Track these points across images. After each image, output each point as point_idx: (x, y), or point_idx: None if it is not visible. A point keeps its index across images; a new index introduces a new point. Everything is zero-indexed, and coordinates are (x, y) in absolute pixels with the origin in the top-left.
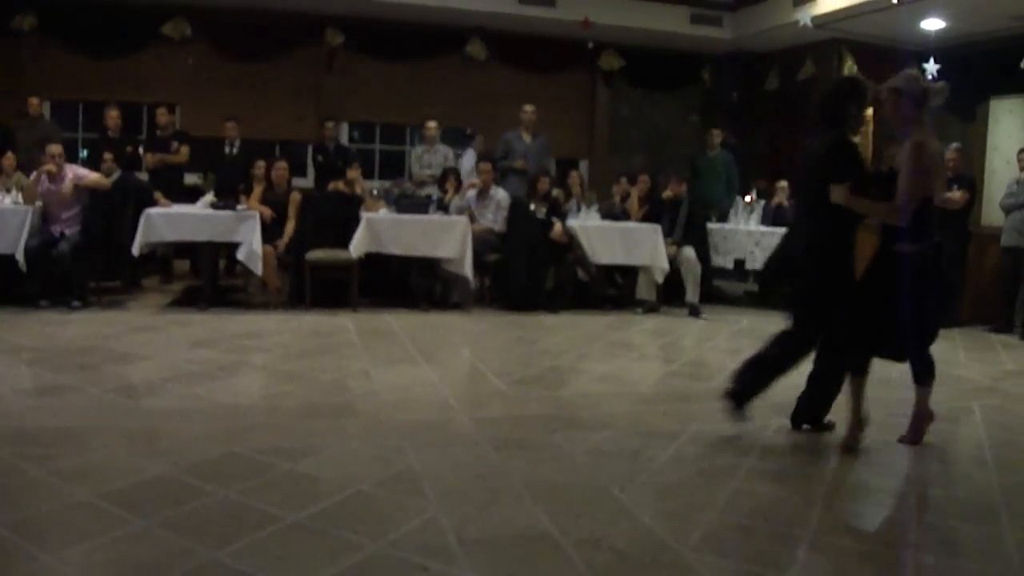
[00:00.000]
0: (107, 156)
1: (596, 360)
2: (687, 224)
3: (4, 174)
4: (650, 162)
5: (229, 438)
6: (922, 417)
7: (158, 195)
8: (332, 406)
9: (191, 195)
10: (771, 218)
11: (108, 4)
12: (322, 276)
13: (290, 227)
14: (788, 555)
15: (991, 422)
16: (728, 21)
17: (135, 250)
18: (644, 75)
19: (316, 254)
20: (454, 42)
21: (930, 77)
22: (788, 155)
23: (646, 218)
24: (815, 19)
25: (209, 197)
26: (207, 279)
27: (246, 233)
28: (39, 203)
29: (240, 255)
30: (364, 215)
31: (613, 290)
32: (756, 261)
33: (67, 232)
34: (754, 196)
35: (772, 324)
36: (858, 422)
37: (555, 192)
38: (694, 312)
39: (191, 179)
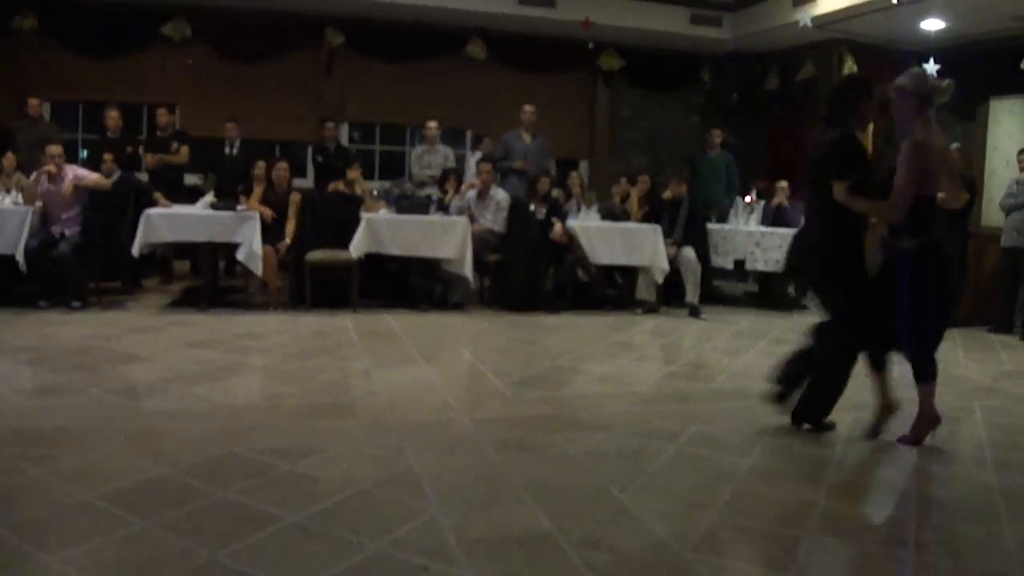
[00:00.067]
0: (107, 156)
1: (596, 360)
2: (687, 224)
3: (4, 174)
4: (650, 162)
5: (229, 438)
6: (925, 417)
7: (158, 195)
8: (332, 407)
9: (191, 195)
10: (771, 218)
11: (108, 5)
12: (322, 277)
13: (291, 228)
14: (788, 556)
15: (991, 422)
16: (728, 21)
17: (135, 251)
18: (644, 75)
19: (316, 255)
20: (454, 42)
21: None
22: (788, 155)
23: (646, 218)
24: (815, 19)
25: (209, 198)
26: (207, 280)
27: (246, 234)
28: (39, 203)
29: (240, 256)
30: (364, 215)
31: (613, 290)
32: (756, 261)
33: (67, 233)
34: (754, 196)
35: (772, 324)
36: (886, 406)
37: (555, 192)
38: (694, 312)
39: (191, 179)
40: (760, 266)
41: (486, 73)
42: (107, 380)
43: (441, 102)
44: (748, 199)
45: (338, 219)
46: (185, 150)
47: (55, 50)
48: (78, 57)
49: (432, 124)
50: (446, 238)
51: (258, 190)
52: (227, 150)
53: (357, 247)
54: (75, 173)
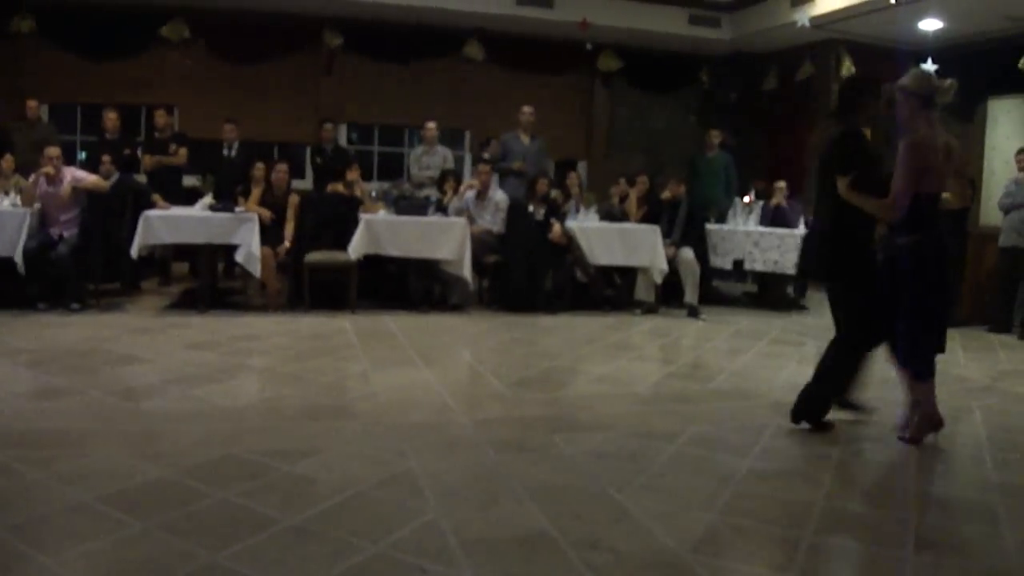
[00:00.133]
0: (105, 158)
1: (595, 361)
2: (686, 225)
3: (3, 176)
4: (649, 163)
5: (228, 440)
6: (925, 417)
7: (156, 197)
8: (331, 408)
9: (189, 197)
10: (770, 219)
11: (106, 6)
12: (321, 278)
13: (289, 230)
14: (787, 556)
15: (990, 422)
16: (726, 22)
17: (134, 252)
18: (642, 76)
19: (315, 256)
20: (452, 44)
21: None
22: (786, 156)
23: (645, 219)
24: (813, 20)
25: (207, 199)
26: (206, 281)
27: (245, 235)
28: (37, 205)
29: (239, 257)
30: (363, 217)
31: (612, 291)
32: (755, 262)
33: (65, 234)
34: (753, 197)
35: (771, 325)
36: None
37: (554, 193)
38: (693, 313)
39: (189, 181)
40: (759, 266)
41: (484, 74)
42: (106, 382)
43: (439, 103)
44: (747, 199)
45: (337, 220)
46: (183, 152)
47: (53, 52)
48: (76, 59)
49: (431, 125)
50: (445, 239)
51: (257, 192)
52: (225, 151)
53: (356, 248)
54: (73, 175)
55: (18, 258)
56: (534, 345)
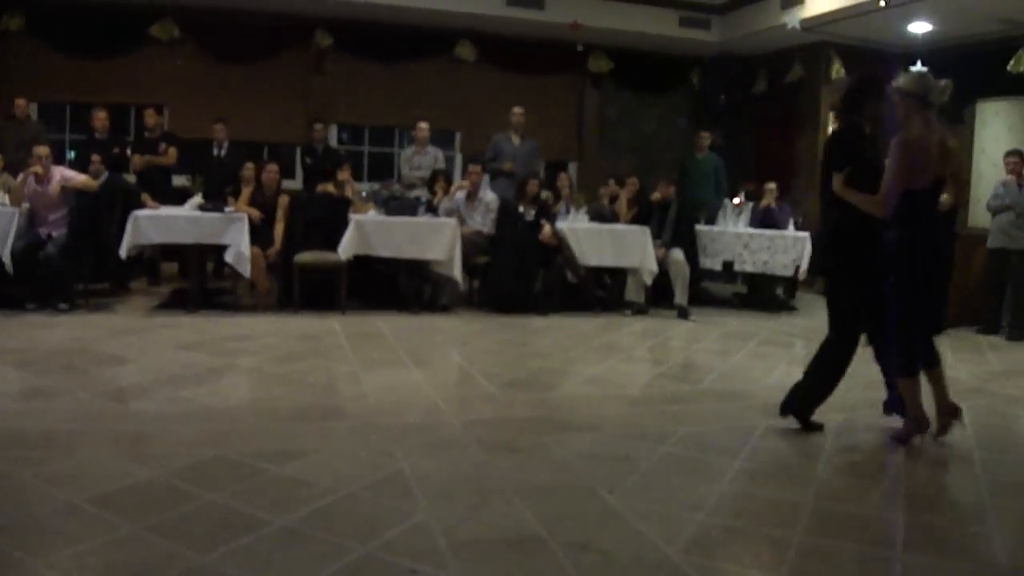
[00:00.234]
0: (94, 157)
1: (585, 362)
2: (676, 226)
3: None
4: (639, 164)
5: (217, 441)
6: (912, 418)
7: (146, 197)
8: (321, 409)
9: (179, 197)
10: (759, 220)
11: (96, 5)
12: (310, 278)
13: (279, 231)
14: (777, 557)
15: (979, 423)
16: (716, 24)
17: (122, 252)
18: (633, 77)
19: (305, 256)
20: (443, 44)
21: None
22: (776, 157)
23: (635, 220)
24: (803, 22)
25: (197, 199)
26: (195, 281)
27: (234, 235)
28: (26, 205)
29: (228, 257)
30: (353, 217)
31: (602, 292)
32: (744, 263)
33: (54, 234)
34: (742, 198)
35: (760, 326)
36: (945, 408)
37: (544, 194)
38: (683, 314)
39: (179, 181)
40: (748, 268)
41: (475, 75)
42: (94, 383)
43: (430, 104)
44: (736, 201)
45: (326, 221)
46: (173, 151)
47: (42, 50)
48: (66, 57)
49: (424, 125)
50: (435, 240)
51: (246, 192)
52: (215, 151)
53: (346, 249)
54: (62, 174)
55: (6, 258)
56: (524, 346)
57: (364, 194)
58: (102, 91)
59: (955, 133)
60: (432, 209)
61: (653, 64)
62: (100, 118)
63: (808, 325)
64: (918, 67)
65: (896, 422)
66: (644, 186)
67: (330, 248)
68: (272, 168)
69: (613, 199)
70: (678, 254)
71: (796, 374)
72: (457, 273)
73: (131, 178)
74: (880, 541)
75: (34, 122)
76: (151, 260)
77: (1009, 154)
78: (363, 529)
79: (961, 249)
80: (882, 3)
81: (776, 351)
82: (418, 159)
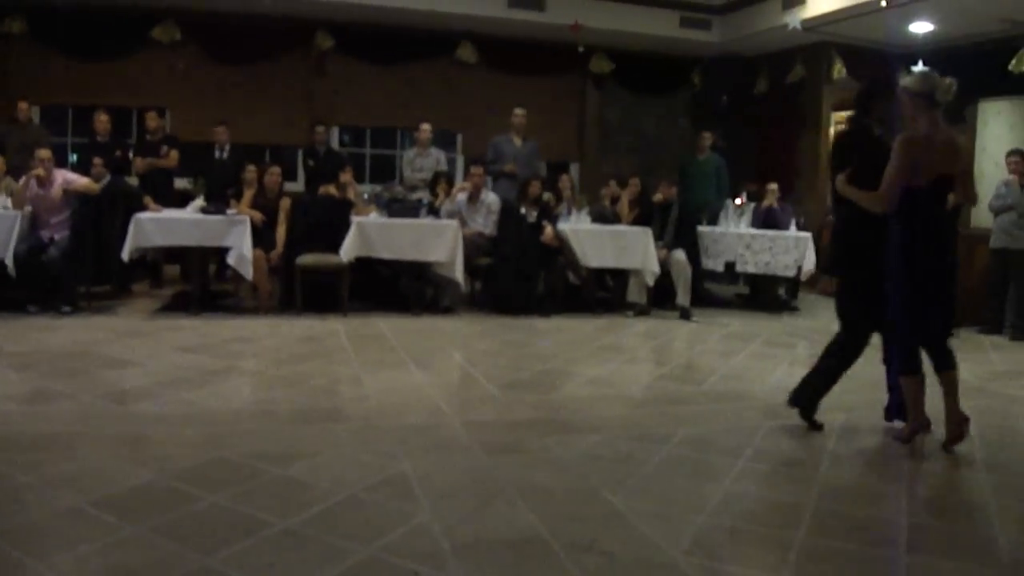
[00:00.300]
0: (97, 161)
1: (587, 363)
2: (677, 227)
3: None
4: (640, 165)
5: (219, 443)
6: (914, 418)
7: (148, 200)
8: (323, 411)
9: (181, 199)
10: (761, 220)
11: (98, 8)
12: (312, 280)
13: (281, 234)
14: (780, 558)
15: (981, 422)
16: (717, 25)
17: (125, 255)
18: (634, 78)
19: (307, 259)
20: (444, 46)
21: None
22: (778, 158)
23: (637, 221)
24: (804, 22)
25: (199, 201)
26: (197, 284)
27: (236, 238)
28: (28, 208)
29: (230, 260)
30: (354, 219)
31: (604, 293)
32: (746, 264)
33: (56, 237)
34: (744, 199)
35: (762, 326)
36: (954, 418)
37: (545, 196)
38: (685, 315)
39: (181, 183)
40: (750, 268)
41: (476, 76)
42: (97, 385)
43: (431, 105)
44: (738, 201)
45: (328, 223)
46: (175, 154)
47: (44, 53)
48: (67, 60)
49: (426, 127)
50: (437, 242)
51: (248, 194)
52: (217, 154)
53: (348, 251)
54: (64, 177)
55: (8, 261)
56: (526, 347)
57: (366, 196)
58: (104, 94)
59: (958, 132)
60: (434, 211)
61: (654, 65)
62: (102, 121)
63: (810, 326)
64: (919, 67)
65: (898, 426)
66: (646, 187)
67: (332, 250)
68: (274, 171)
69: (615, 200)
70: (680, 255)
71: (798, 375)
72: (459, 275)
73: (133, 181)
74: (882, 542)
75: (36, 125)
76: (153, 263)
77: (1011, 154)
78: (365, 531)
79: (963, 249)
80: (883, 3)
81: (778, 352)
82: (420, 161)
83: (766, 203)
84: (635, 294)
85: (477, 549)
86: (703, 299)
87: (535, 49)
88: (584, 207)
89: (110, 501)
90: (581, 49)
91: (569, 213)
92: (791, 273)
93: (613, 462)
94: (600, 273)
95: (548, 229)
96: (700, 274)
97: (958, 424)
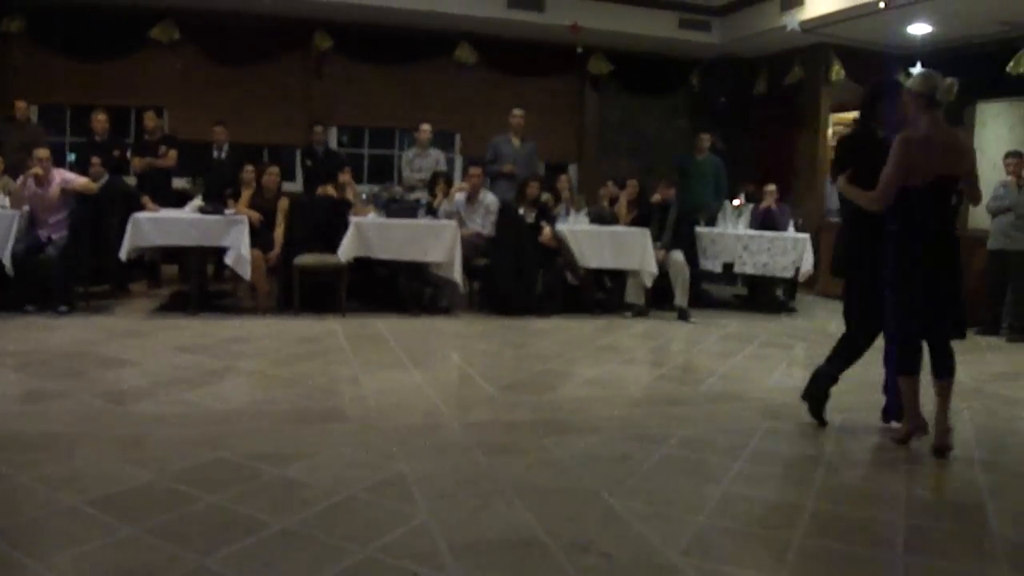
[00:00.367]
0: (94, 160)
1: (585, 364)
2: (676, 228)
3: None
4: (639, 166)
5: (217, 444)
6: (910, 419)
7: (146, 199)
8: (321, 411)
9: (179, 199)
10: (759, 222)
11: (96, 7)
12: (311, 281)
13: (279, 234)
14: (777, 558)
15: (979, 423)
16: (716, 26)
17: (123, 255)
18: (633, 79)
19: (305, 259)
20: (443, 47)
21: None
22: (776, 159)
23: (635, 222)
24: (802, 24)
25: (197, 201)
26: (195, 284)
27: (234, 238)
28: (26, 207)
29: (228, 260)
30: (353, 219)
31: (602, 294)
32: (744, 265)
33: (54, 237)
34: (742, 200)
35: (760, 327)
36: (942, 428)
37: (544, 196)
38: (683, 316)
39: (179, 183)
40: (748, 269)
41: (475, 77)
42: (94, 385)
43: (430, 106)
44: (736, 202)
45: (327, 223)
46: (173, 154)
47: (43, 53)
48: (66, 60)
49: (426, 127)
50: (435, 242)
51: (247, 194)
52: (215, 154)
53: (346, 251)
54: (62, 177)
55: (6, 260)
56: (524, 348)
57: (364, 196)
58: (102, 93)
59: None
60: (432, 211)
61: (653, 66)
62: (100, 120)
63: (808, 327)
64: (918, 68)
65: (895, 428)
66: (644, 188)
67: (330, 250)
68: (273, 171)
69: (613, 201)
70: (678, 256)
71: (797, 375)
72: (457, 275)
73: (131, 180)
74: (880, 543)
75: (34, 125)
76: (151, 263)
77: (1009, 155)
78: (363, 531)
79: (961, 250)
80: (882, 5)
81: (776, 353)
82: (419, 161)
83: (764, 204)
84: (633, 295)
85: (475, 549)
86: (701, 300)
87: (534, 50)
88: (582, 208)
89: (108, 501)
90: (580, 50)
91: (567, 214)
92: (789, 274)
93: (611, 463)
94: (598, 274)
95: (546, 230)
96: (698, 275)
97: (943, 433)
